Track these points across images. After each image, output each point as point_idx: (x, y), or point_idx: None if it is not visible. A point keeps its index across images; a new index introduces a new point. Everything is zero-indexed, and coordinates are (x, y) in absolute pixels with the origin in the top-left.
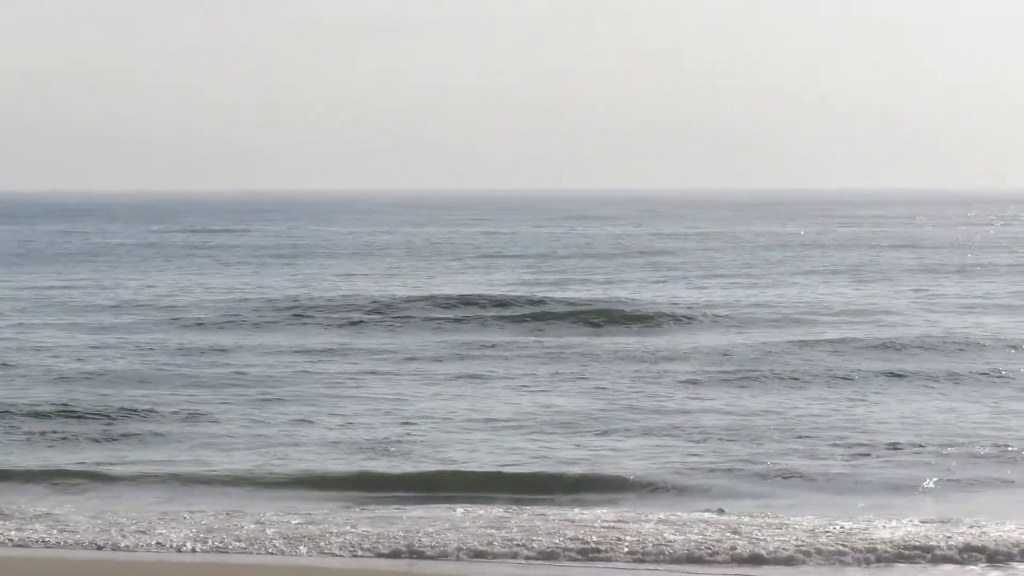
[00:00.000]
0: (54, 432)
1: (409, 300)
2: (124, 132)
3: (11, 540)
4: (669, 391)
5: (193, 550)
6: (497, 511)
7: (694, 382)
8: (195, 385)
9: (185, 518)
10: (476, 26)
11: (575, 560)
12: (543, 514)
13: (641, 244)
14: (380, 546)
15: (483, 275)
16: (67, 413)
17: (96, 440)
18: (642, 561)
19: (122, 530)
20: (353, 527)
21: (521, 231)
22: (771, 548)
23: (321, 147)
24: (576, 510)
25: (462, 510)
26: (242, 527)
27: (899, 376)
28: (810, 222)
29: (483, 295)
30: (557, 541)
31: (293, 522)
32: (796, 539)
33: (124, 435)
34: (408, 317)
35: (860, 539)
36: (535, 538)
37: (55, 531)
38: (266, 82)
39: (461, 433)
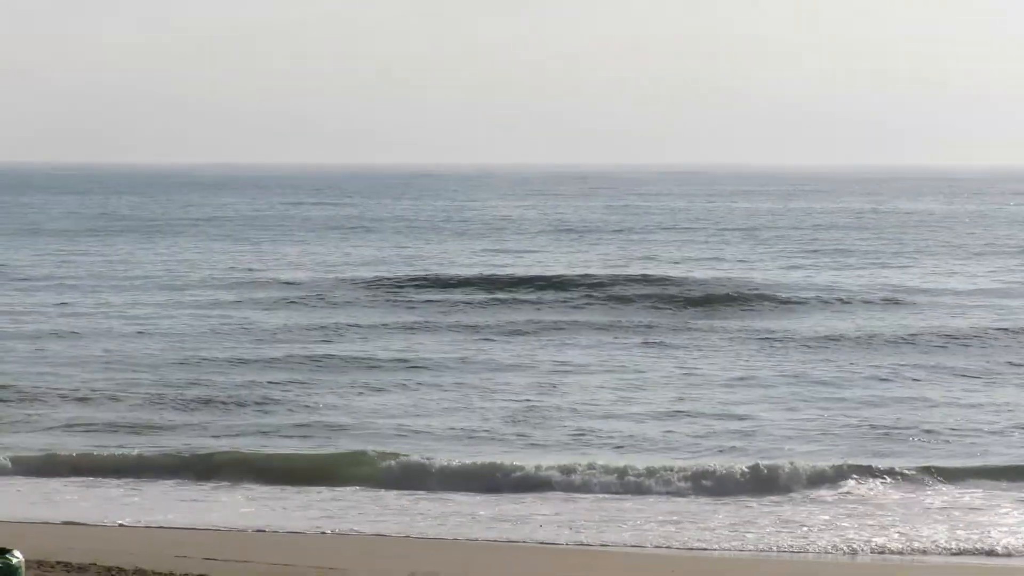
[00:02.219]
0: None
1: (559, 278)
2: (249, 105)
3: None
4: (886, 382)
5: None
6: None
7: (917, 378)
8: (340, 369)
9: None
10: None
11: None
12: None
13: (789, 221)
14: None
15: (624, 251)
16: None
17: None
18: None
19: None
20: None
21: (642, 204)
22: None
23: (447, 121)
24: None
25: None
26: None
27: None
28: (940, 200)
29: (641, 274)
30: None
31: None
32: None
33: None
34: (559, 295)
35: None
36: None
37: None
38: (391, 54)
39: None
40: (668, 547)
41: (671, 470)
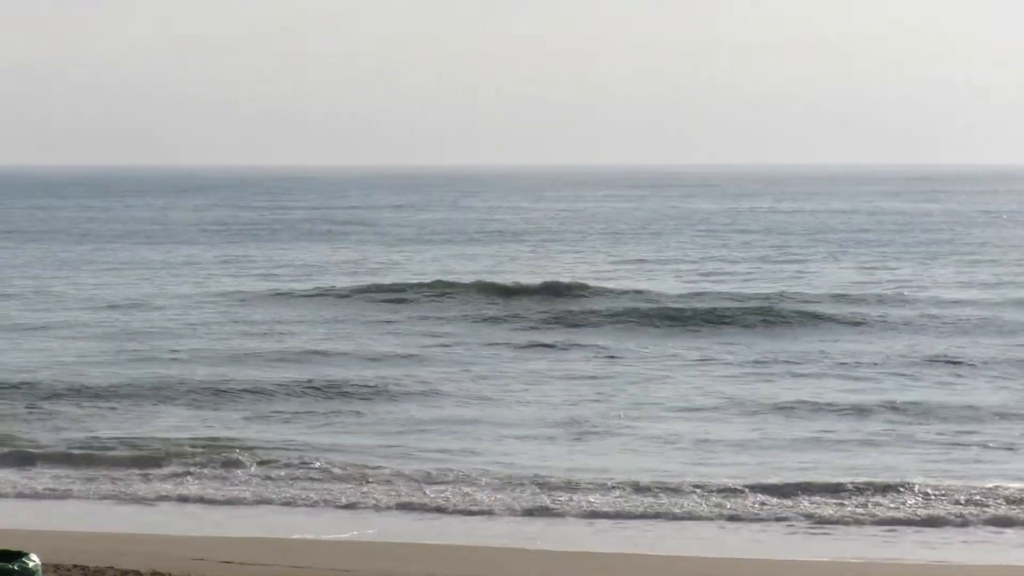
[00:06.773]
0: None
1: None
2: (279, 106)
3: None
4: None
5: None
6: None
7: None
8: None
9: None
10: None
11: None
12: None
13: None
14: None
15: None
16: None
17: None
18: None
19: None
20: None
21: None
22: None
23: (479, 120)
24: None
25: None
26: None
27: None
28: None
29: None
30: None
31: None
32: None
33: None
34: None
35: None
36: None
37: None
38: (419, 52)
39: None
40: None
41: None
